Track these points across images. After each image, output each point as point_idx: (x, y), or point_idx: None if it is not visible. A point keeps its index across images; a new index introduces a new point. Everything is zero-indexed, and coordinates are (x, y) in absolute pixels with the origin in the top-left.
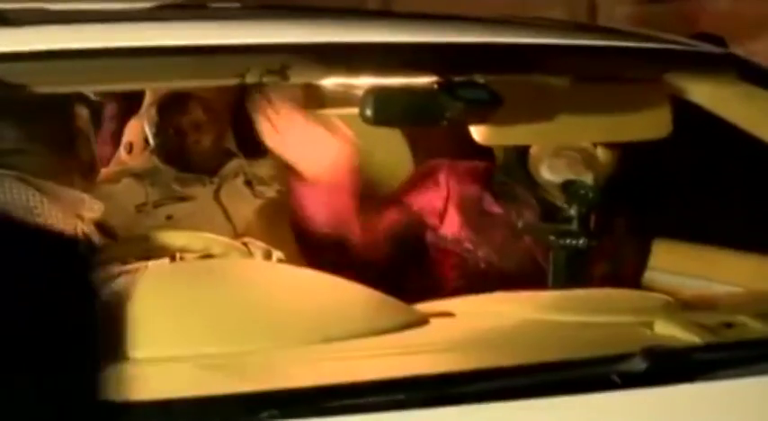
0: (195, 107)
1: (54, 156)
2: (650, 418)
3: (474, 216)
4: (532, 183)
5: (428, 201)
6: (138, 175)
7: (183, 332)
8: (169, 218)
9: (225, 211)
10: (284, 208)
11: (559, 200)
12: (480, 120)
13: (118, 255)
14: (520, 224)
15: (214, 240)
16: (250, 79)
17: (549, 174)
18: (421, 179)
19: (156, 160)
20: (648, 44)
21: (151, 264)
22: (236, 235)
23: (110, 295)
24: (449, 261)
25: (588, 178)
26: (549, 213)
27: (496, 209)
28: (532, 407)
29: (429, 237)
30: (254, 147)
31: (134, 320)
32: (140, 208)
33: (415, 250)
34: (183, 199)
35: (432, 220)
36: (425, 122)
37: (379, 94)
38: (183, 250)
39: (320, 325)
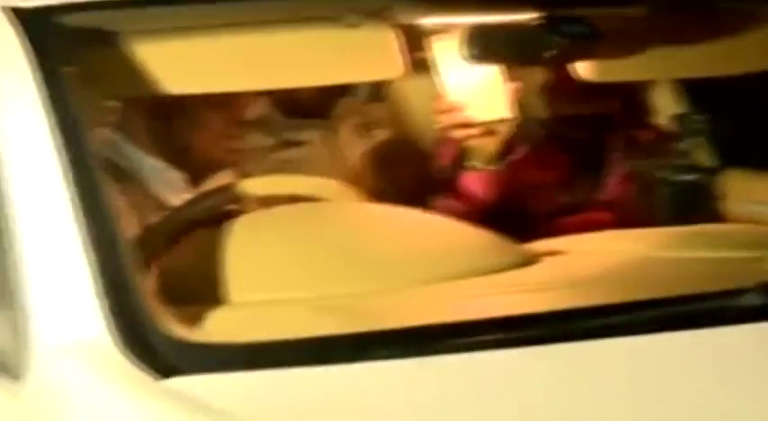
0: None
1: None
2: (766, 353)
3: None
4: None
5: None
6: (251, 122)
7: (292, 275)
8: (283, 162)
9: (334, 156)
10: (390, 153)
11: None
12: (581, 56)
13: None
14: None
15: (321, 184)
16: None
17: None
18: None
19: (267, 104)
20: None
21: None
22: (344, 179)
23: (221, 239)
24: None
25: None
26: None
27: None
28: (647, 342)
29: None
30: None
31: (246, 263)
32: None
33: None
34: (294, 144)
35: None
36: (526, 59)
37: (480, 32)
38: (290, 195)
39: (431, 265)
